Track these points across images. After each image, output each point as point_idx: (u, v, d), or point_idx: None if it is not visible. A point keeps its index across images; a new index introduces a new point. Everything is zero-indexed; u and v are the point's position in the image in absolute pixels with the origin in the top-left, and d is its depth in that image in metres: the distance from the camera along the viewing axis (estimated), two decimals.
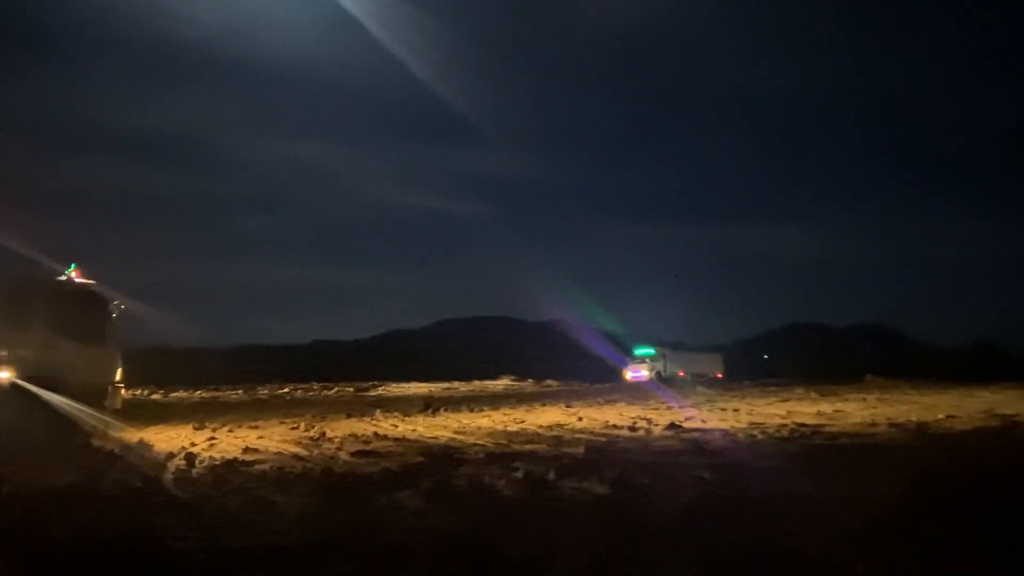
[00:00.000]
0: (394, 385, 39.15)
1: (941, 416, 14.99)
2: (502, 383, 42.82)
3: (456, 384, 40.21)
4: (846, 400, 21.12)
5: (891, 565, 4.52)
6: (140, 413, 17.31)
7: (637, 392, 29.03)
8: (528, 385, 40.32)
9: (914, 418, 14.71)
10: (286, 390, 33.94)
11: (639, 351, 53.10)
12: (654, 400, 22.89)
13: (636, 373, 48.83)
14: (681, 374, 49.29)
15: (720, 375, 52.23)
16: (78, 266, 13.10)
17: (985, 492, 6.26)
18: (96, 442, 11.67)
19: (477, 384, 41.06)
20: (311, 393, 31.85)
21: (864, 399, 21.48)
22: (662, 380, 44.12)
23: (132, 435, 13.01)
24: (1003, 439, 11.22)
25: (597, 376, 46.65)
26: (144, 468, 9.46)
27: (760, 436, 12.34)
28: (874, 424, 13.96)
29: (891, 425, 13.63)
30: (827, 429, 13.22)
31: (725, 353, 61.55)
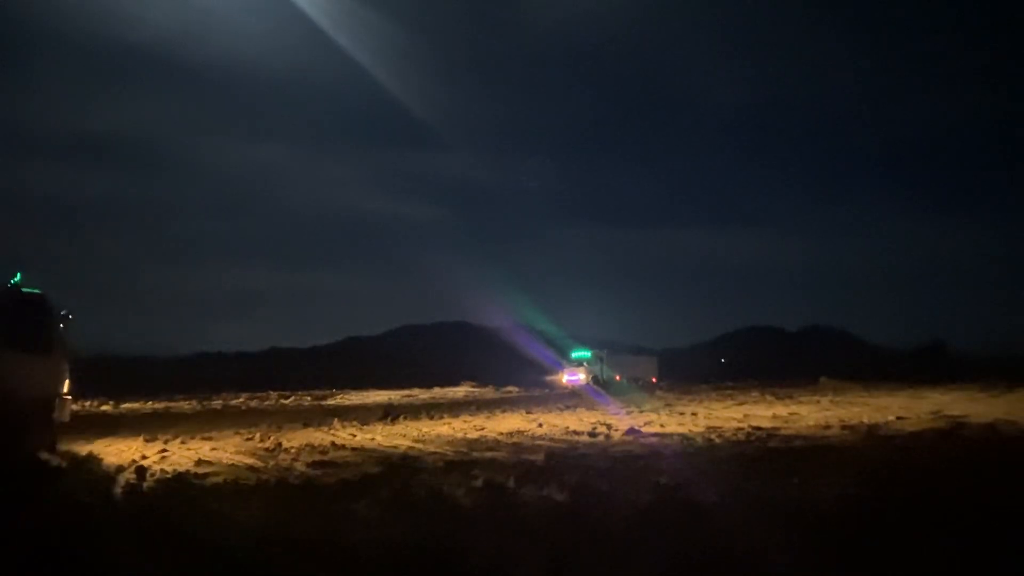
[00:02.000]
0: (353, 393, 38.74)
1: (891, 418, 15.36)
2: (462, 390, 42.65)
3: (416, 391, 39.96)
4: (800, 403, 21.52)
5: (840, 567, 4.59)
6: (89, 425, 16.86)
7: (569, 399, 28.30)
8: (488, 391, 40.21)
9: (866, 420, 15.05)
10: (241, 399, 33.37)
11: (576, 354, 52.06)
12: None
13: (573, 377, 47.96)
14: (617, 378, 48.73)
15: (655, 379, 51.71)
16: (24, 274, 12.71)
17: (930, 491, 6.41)
18: (42, 456, 11.31)
19: (437, 391, 40.84)
20: (267, 402, 31.34)
21: (818, 401, 21.91)
22: (599, 384, 43.74)
23: (80, 448, 12.65)
24: (949, 440, 11.52)
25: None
26: (92, 483, 9.20)
27: (717, 440, 12.49)
28: (827, 427, 14.24)
29: (844, 427, 13.91)
30: (782, 432, 13.44)
31: (660, 357, 61.90)
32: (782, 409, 19.17)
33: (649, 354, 62.29)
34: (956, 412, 15.85)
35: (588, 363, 50.33)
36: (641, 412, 19.68)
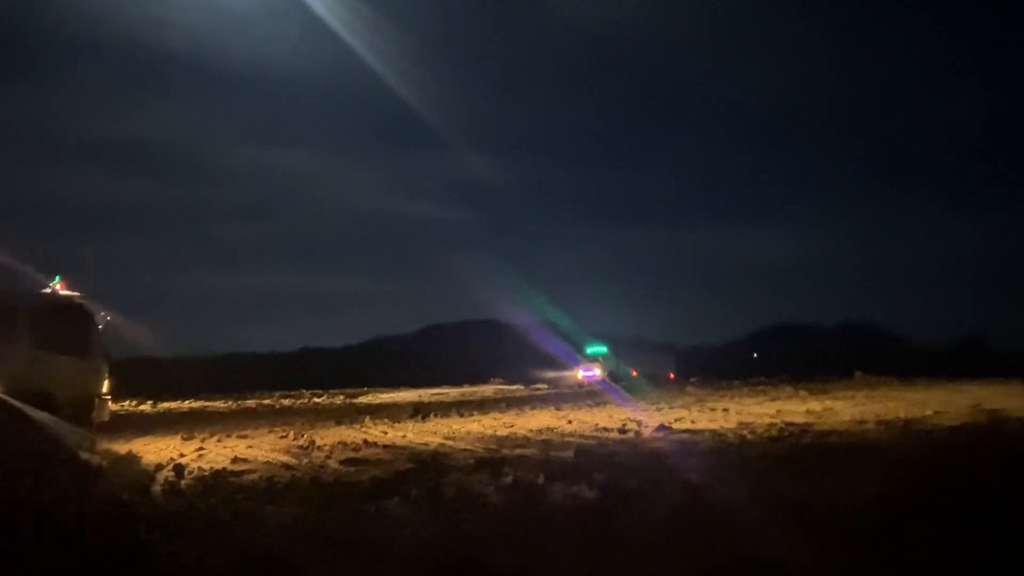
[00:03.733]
0: (383, 392, 39.02)
1: (929, 412, 15.11)
2: (491, 387, 42.68)
3: (445, 389, 40.13)
4: (835, 398, 21.25)
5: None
6: (128, 425, 17.19)
7: (588, 396, 27.52)
8: (518, 389, 40.22)
9: (902, 415, 14.82)
10: (275, 398, 33.80)
11: (591, 349, 50.43)
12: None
13: (588, 372, 46.46)
14: (634, 373, 47.54)
15: (672, 375, 49.93)
16: (62, 278, 13.02)
17: (969, 491, 6.31)
18: (83, 456, 11.57)
19: (467, 389, 40.97)
20: (300, 401, 31.70)
21: (853, 397, 21.61)
22: (614, 380, 42.88)
23: (120, 448, 12.91)
24: (989, 434, 11.31)
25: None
26: (131, 481, 9.39)
27: (749, 436, 12.39)
28: (863, 422, 14.04)
29: (879, 423, 13.71)
30: (816, 428, 13.29)
31: (679, 353, 60.83)
32: (816, 405, 18.93)
33: (665, 350, 61.24)
34: (995, 406, 15.53)
35: (604, 359, 49.02)
36: (671, 408, 19.58)
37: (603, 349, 50.85)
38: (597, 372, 46.50)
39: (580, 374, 46.84)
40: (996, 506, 5.91)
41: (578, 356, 49.55)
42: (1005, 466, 8.48)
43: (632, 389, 32.31)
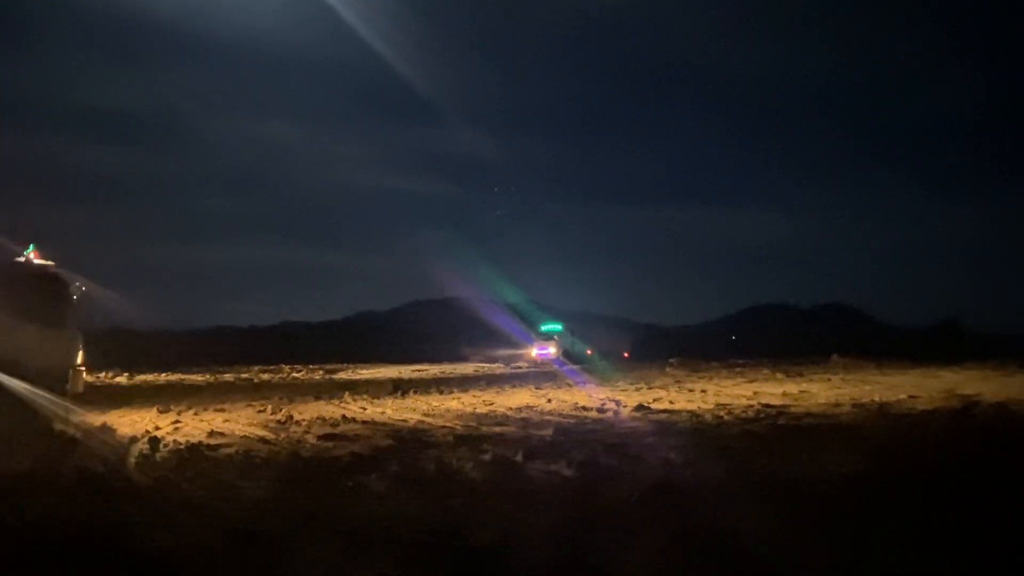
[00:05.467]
0: (363, 367, 38.94)
1: (903, 396, 15.29)
2: (472, 365, 42.73)
3: (426, 366, 40.13)
4: (811, 381, 21.45)
5: (843, 548, 4.59)
6: (103, 397, 17.03)
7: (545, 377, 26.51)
8: (498, 367, 40.29)
9: (877, 398, 14.99)
10: (253, 373, 33.63)
11: (546, 327, 49.51)
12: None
13: (542, 350, 45.46)
14: (589, 352, 46.90)
15: (627, 354, 49.35)
16: (37, 247, 12.78)
17: (937, 470, 6.40)
18: (57, 427, 11.45)
19: (447, 366, 40.99)
20: (279, 376, 31.57)
21: (829, 379, 21.84)
22: (569, 358, 42.40)
23: (94, 419, 12.79)
24: (962, 419, 11.47)
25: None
26: (106, 453, 9.31)
27: (727, 417, 12.49)
28: (838, 404, 14.20)
29: (855, 406, 13.87)
30: (792, 410, 13.42)
31: (635, 331, 60.70)
32: (792, 387, 19.12)
33: (622, 329, 61.08)
34: (969, 391, 15.76)
35: (559, 336, 48.03)
36: (650, 388, 19.69)
37: (558, 327, 49.90)
38: (552, 350, 45.60)
39: (534, 352, 46.00)
40: (965, 486, 6.00)
41: (532, 334, 48.73)
42: (975, 449, 8.62)
43: (589, 369, 32.15)
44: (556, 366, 33.33)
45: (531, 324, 50.64)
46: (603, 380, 24.25)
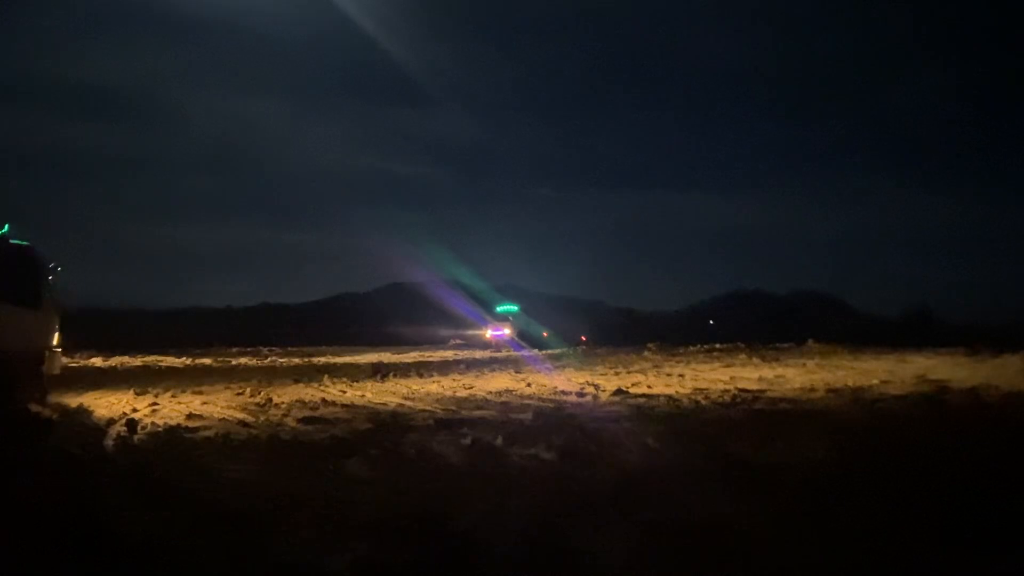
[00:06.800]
0: (343, 350, 38.84)
1: (876, 381, 15.55)
2: (452, 351, 42.75)
3: (406, 349, 40.10)
4: (787, 366, 21.73)
5: (819, 534, 4.69)
6: (79, 378, 16.89)
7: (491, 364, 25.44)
8: (478, 351, 40.36)
9: (850, 383, 15.23)
10: (231, 355, 33.41)
11: (502, 308, 49.26)
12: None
13: (497, 332, 45.26)
14: (545, 334, 46.66)
15: (585, 337, 48.57)
16: (12, 226, 12.59)
17: (907, 453, 6.53)
18: (33, 408, 11.36)
19: (427, 350, 40.99)
20: (257, 358, 31.40)
21: (804, 364, 22.12)
22: (524, 340, 41.60)
23: (71, 401, 12.69)
24: (931, 404, 11.69)
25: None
26: (83, 435, 9.25)
27: (704, 402, 12.63)
28: (813, 389, 14.41)
29: (829, 391, 14.09)
30: (768, 394, 13.60)
31: (592, 314, 60.61)
32: (768, 372, 19.36)
33: (580, 312, 61.10)
34: (940, 376, 16.04)
35: (514, 318, 47.81)
36: (628, 373, 19.83)
37: (514, 308, 49.72)
38: (507, 332, 45.29)
39: (489, 333, 45.66)
40: (933, 468, 6.15)
41: (487, 316, 48.51)
42: (944, 432, 8.82)
43: (548, 354, 31.88)
44: (513, 349, 32.94)
45: (487, 306, 50.43)
46: (558, 363, 24.31)
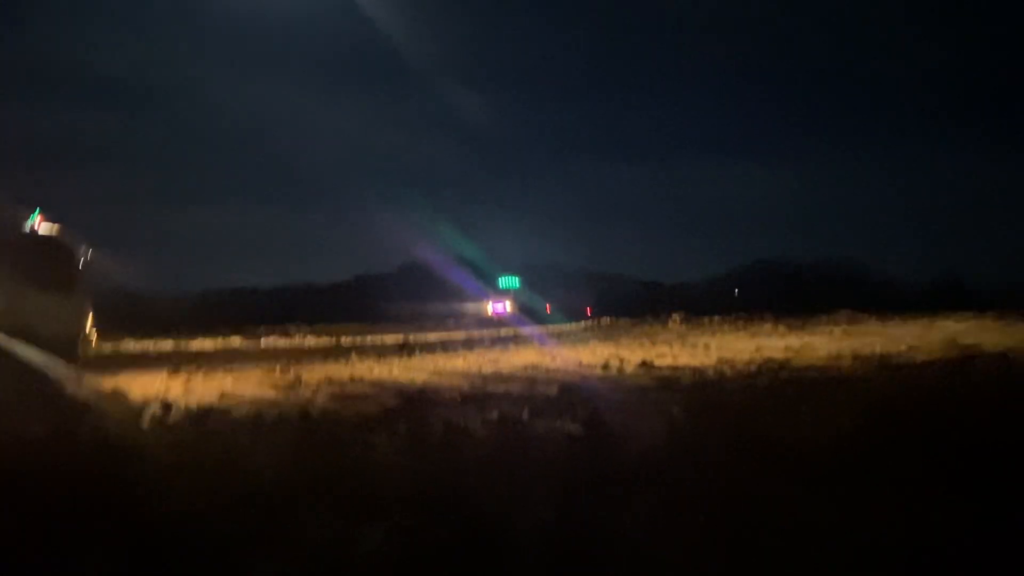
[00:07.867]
0: (368, 327, 39.17)
1: (903, 348, 15.42)
2: (463, 329, 42.60)
3: (430, 326, 40.32)
4: (813, 334, 21.62)
5: (849, 509, 4.70)
6: (112, 361, 17.21)
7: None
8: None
9: (878, 350, 15.12)
10: (260, 334, 33.84)
11: (503, 282, 48.06)
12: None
13: (498, 306, 44.55)
14: (548, 309, 45.79)
15: (590, 310, 47.52)
16: (42, 212, 12.79)
17: (933, 422, 6.50)
18: (69, 392, 11.61)
19: (451, 328, 41.15)
20: (286, 337, 31.80)
21: (831, 332, 21.99)
22: (526, 314, 40.85)
23: (105, 384, 12.95)
24: (960, 368, 11.60)
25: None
26: (118, 417, 9.46)
27: (729, 372, 12.63)
28: (839, 357, 14.33)
29: (855, 358, 14.00)
30: (794, 363, 13.55)
31: (595, 288, 59.71)
32: (795, 340, 19.26)
33: (584, 284, 60.42)
34: (969, 341, 15.87)
35: (516, 292, 47.04)
36: (653, 345, 19.82)
37: (515, 282, 48.68)
38: (508, 306, 44.57)
39: (489, 308, 44.92)
40: (964, 438, 6.11)
41: (488, 290, 47.42)
42: (972, 398, 8.74)
43: (551, 329, 31.29)
44: (516, 325, 32.42)
45: (488, 280, 49.14)
46: (566, 339, 24.26)
